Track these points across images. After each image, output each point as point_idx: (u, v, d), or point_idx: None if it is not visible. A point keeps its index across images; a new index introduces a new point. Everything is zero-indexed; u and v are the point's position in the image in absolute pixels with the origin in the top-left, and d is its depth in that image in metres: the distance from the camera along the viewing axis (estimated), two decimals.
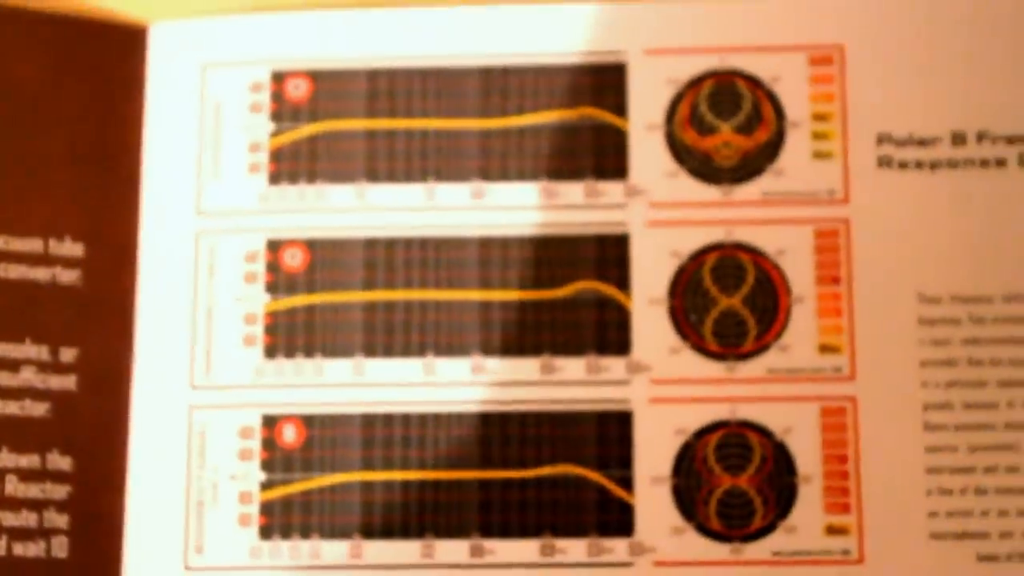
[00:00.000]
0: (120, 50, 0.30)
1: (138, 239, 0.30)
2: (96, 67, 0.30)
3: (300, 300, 0.29)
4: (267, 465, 0.29)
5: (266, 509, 0.29)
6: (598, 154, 0.30)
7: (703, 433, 0.29)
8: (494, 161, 0.29)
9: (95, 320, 0.29)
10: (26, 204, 0.30)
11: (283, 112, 0.30)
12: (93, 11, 0.31)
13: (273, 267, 0.29)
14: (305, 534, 0.29)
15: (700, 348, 0.29)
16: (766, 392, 0.29)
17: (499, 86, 0.30)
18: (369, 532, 0.28)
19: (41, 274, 0.29)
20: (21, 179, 0.30)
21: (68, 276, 0.30)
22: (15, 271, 0.29)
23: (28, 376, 0.29)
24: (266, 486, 0.29)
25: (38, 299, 0.29)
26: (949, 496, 0.28)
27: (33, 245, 0.29)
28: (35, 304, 0.29)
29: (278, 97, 0.30)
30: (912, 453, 0.29)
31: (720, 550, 0.29)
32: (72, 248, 0.30)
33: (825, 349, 0.29)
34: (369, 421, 0.29)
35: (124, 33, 0.31)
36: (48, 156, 0.30)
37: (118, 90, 0.30)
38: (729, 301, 0.29)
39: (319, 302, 0.29)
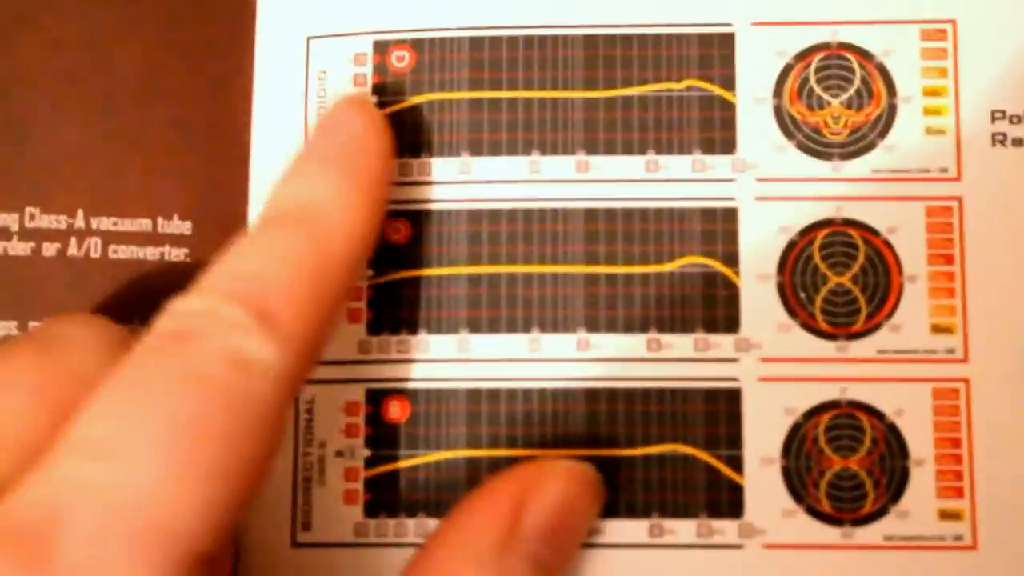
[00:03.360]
0: (227, 23, 0.30)
1: (247, 213, 0.29)
2: (203, 41, 0.30)
3: (403, 274, 0.29)
4: (371, 441, 0.28)
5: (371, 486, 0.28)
6: (705, 127, 0.29)
7: (813, 413, 0.28)
8: (599, 133, 0.29)
9: None
10: (133, 184, 0.29)
11: (386, 84, 0.29)
12: None
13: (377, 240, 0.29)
14: (411, 512, 0.28)
15: (810, 326, 0.28)
16: (877, 372, 0.28)
17: (603, 56, 0.29)
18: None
19: (150, 253, 0.29)
20: (130, 159, 0.29)
21: (176, 254, 0.29)
22: (124, 251, 0.29)
23: None
24: (371, 463, 0.28)
25: (147, 278, 0.29)
26: None
27: (142, 225, 0.29)
28: (144, 283, 0.29)
29: (381, 69, 0.29)
30: None
31: (831, 533, 0.27)
32: (180, 226, 0.29)
33: (937, 329, 0.28)
34: (474, 396, 0.28)
35: (231, 5, 0.30)
36: (156, 134, 0.29)
37: (225, 64, 0.30)
38: (839, 279, 0.28)
39: (424, 275, 0.29)
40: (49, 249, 0.29)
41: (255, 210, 0.29)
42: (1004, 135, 0.28)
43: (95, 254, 0.29)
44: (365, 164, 0.26)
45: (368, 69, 0.29)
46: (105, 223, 0.29)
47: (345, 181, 0.26)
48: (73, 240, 0.29)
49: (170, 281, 0.28)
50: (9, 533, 0.20)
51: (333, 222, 0.25)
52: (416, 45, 0.29)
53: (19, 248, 0.29)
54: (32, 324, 0.28)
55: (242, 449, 0.21)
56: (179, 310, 0.23)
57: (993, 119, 0.28)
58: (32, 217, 0.29)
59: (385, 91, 0.29)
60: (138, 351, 0.23)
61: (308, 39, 0.29)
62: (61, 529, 0.20)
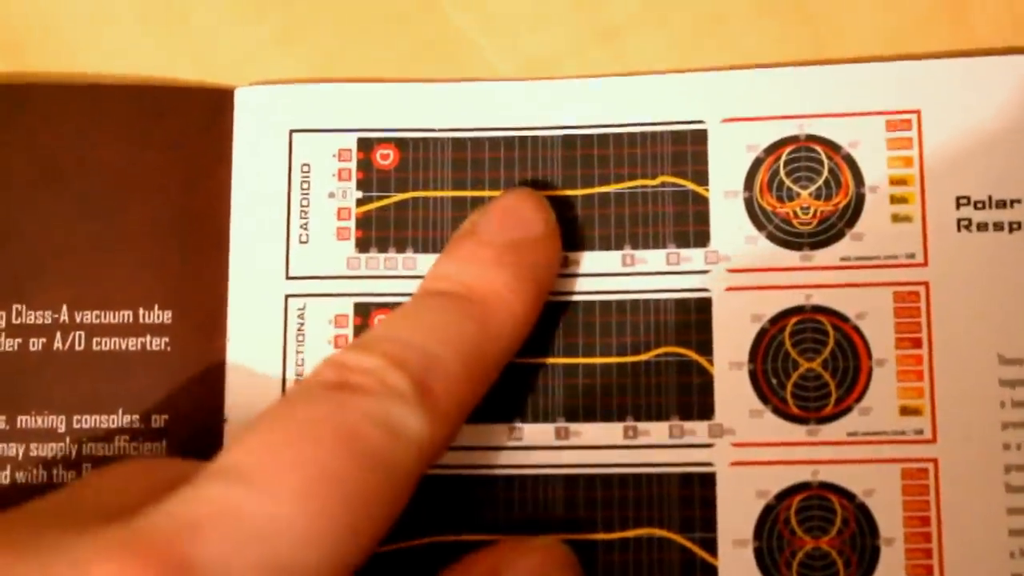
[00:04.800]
0: (205, 114, 0.35)
1: (227, 303, 0.35)
2: (180, 133, 0.35)
3: None
4: None
5: None
6: (679, 221, 0.34)
7: (785, 496, 0.34)
8: (577, 229, 0.34)
9: (184, 385, 0.34)
10: (116, 277, 0.34)
11: (370, 180, 0.35)
12: (176, 79, 0.36)
13: (362, 331, 0.35)
14: None
15: (781, 411, 0.34)
16: (847, 455, 0.34)
17: (581, 155, 0.35)
18: None
19: (131, 344, 0.34)
20: (111, 253, 0.35)
21: (156, 344, 0.35)
22: (107, 343, 0.34)
23: (121, 445, 0.34)
24: None
25: (129, 369, 0.34)
26: None
27: (123, 316, 0.34)
28: (126, 374, 0.34)
29: (365, 165, 0.35)
30: (994, 515, 0.33)
31: None
32: (161, 316, 0.35)
33: (906, 411, 0.34)
34: (456, 484, 0.34)
35: (209, 97, 0.36)
36: (136, 227, 0.35)
37: (204, 154, 0.35)
38: (809, 364, 0.34)
39: None
40: (36, 344, 0.34)
41: (234, 299, 0.35)
42: (969, 220, 0.34)
43: (79, 347, 0.34)
44: (539, 267, 0.32)
45: (352, 165, 0.35)
46: (89, 316, 0.35)
47: (518, 275, 0.31)
48: (58, 334, 0.34)
49: (151, 370, 0.34)
50: (146, 540, 0.24)
51: (501, 313, 0.30)
52: (400, 144, 0.35)
53: (6, 344, 0.34)
54: (21, 418, 0.34)
55: (374, 508, 0.26)
56: (342, 362, 0.28)
57: (958, 205, 0.34)
58: (18, 314, 0.34)
59: (370, 187, 0.35)
60: (298, 393, 0.28)
61: (291, 132, 0.35)
62: (196, 543, 0.24)
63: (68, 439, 0.34)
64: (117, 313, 0.34)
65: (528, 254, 0.32)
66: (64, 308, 0.34)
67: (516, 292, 0.31)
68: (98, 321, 0.34)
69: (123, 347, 0.34)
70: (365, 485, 0.26)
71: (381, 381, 0.27)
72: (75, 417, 0.34)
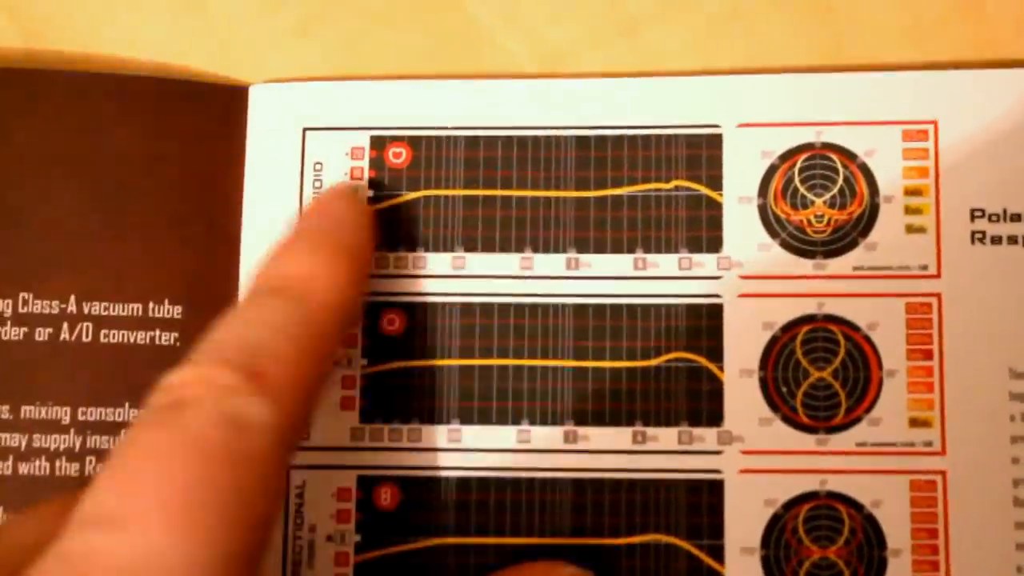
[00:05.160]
0: (220, 112, 0.35)
1: (236, 298, 0.35)
2: (196, 129, 0.35)
3: (397, 364, 0.34)
4: (362, 527, 0.34)
5: None
6: (692, 226, 0.34)
7: (792, 504, 0.34)
8: (590, 231, 0.34)
9: None
10: (126, 270, 0.34)
11: (382, 178, 0.35)
12: (193, 74, 0.36)
13: (371, 331, 0.34)
14: None
15: (791, 420, 0.34)
16: (856, 465, 0.34)
17: (594, 157, 0.35)
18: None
19: (140, 338, 0.34)
20: (121, 245, 0.34)
21: (166, 339, 0.34)
22: (116, 336, 0.34)
23: None
24: (361, 548, 0.34)
25: (137, 363, 0.34)
26: None
27: (132, 310, 0.34)
28: (134, 367, 0.34)
29: (378, 163, 0.35)
30: (1002, 529, 0.33)
31: None
32: (171, 311, 0.35)
33: (916, 423, 0.34)
34: (465, 485, 0.34)
35: (224, 94, 0.36)
36: (147, 221, 0.35)
37: (217, 151, 0.35)
38: (820, 374, 0.34)
39: (417, 365, 0.34)
40: (42, 334, 0.34)
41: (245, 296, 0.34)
42: (983, 233, 0.34)
43: (87, 339, 0.34)
44: (348, 242, 0.32)
45: (365, 163, 0.35)
46: (97, 308, 0.34)
47: (327, 256, 0.31)
48: (65, 325, 0.34)
49: (160, 365, 0.34)
50: None
51: (316, 288, 0.30)
52: (413, 142, 0.35)
53: (12, 333, 0.34)
54: (25, 408, 0.34)
55: (246, 505, 0.25)
56: (170, 383, 0.28)
57: (973, 217, 0.34)
58: (25, 303, 0.34)
59: (382, 185, 0.35)
60: (135, 426, 0.27)
61: (304, 130, 0.35)
62: None
63: (73, 431, 0.34)
64: (126, 306, 0.34)
65: (335, 237, 0.32)
66: (72, 299, 0.34)
67: (327, 270, 0.31)
68: (106, 313, 0.34)
69: (131, 340, 0.34)
70: (228, 486, 0.25)
71: (209, 384, 0.27)
72: (80, 409, 0.34)
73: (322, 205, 0.33)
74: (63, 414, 0.34)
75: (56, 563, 0.24)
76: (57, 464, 0.33)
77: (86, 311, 0.34)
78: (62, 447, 0.33)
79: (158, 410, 0.27)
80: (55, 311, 0.34)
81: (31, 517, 0.29)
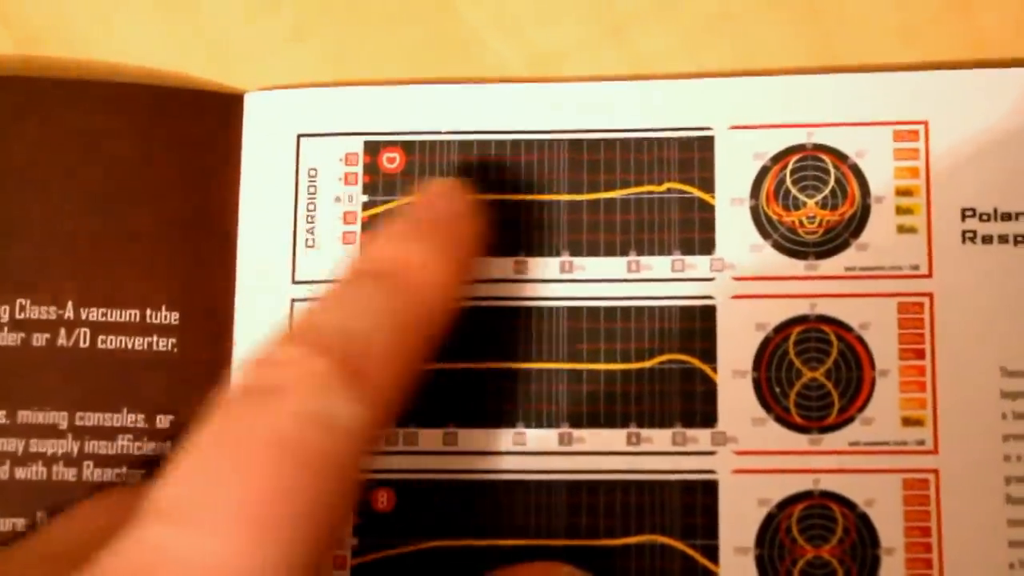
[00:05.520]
0: (216, 119, 0.36)
1: (233, 306, 0.35)
2: (191, 136, 0.35)
3: None
4: (359, 530, 0.34)
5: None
6: (684, 228, 0.35)
7: (786, 504, 0.34)
8: (583, 234, 0.35)
9: (190, 387, 0.34)
10: (123, 276, 0.35)
11: (376, 184, 0.35)
12: (188, 81, 0.36)
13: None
14: None
15: (784, 420, 0.34)
16: (849, 464, 0.34)
17: (587, 160, 0.35)
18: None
19: (137, 344, 0.35)
20: (118, 251, 0.35)
21: (163, 344, 0.35)
22: (113, 342, 0.34)
23: (124, 444, 0.34)
24: (359, 552, 0.34)
25: (135, 368, 0.34)
26: None
27: (130, 316, 0.35)
28: (132, 373, 0.34)
29: (372, 168, 0.35)
30: (994, 526, 0.33)
31: None
32: (168, 317, 0.35)
33: (908, 422, 0.34)
34: (460, 488, 0.34)
35: (219, 101, 0.36)
36: (144, 227, 0.35)
37: (213, 158, 0.36)
38: (813, 374, 0.34)
39: None
40: (39, 339, 0.34)
41: (241, 303, 0.35)
42: (974, 232, 0.34)
43: (84, 344, 0.34)
44: (458, 233, 0.31)
45: (359, 168, 0.35)
46: (94, 314, 0.35)
47: (437, 245, 0.30)
48: (63, 331, 0.34)
49: (158, 370, 0.34)
50: None
51: (423, 280, 0.29)
52: (407, 147, 0.35)
53: (9, 338, 0.34)
54: (22, 413, 0.34)
55: (325, 512, 0.24)
56: (266, 360, 0.27)
57: (963, 217, 0.34)
58: (22, 308, 0.34)
59: (376, 190, 0.35)
60: (223, 409, 0.26)
61: (299, 136, 0.35)
62: None
63: (70, 436, 0.34)
64: (124, 312, 0.35)
65: (447, 228, 0.31)
66: (69, 304, 0.34)
67: (437, 260, 0.30)
68: (104, 319, 0.34)
69: (129, 346, 0.35)
70: (307, 491, 0.24)
71: (306, 371, 0.26)
72: (78, 414, 0.34)
73: (431, 196, 0.32)
74: (60, 419, 0.34)
75: (125, 553, 0.24)
76: (54, 469, 0.34)
77: (83, 317, 0.34)
78: (59, 452, 0.34)
79: (248, 392, 0.26)
80: (52, 316, 0.34)
81: (101, 503, 0.29)
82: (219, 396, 0.26)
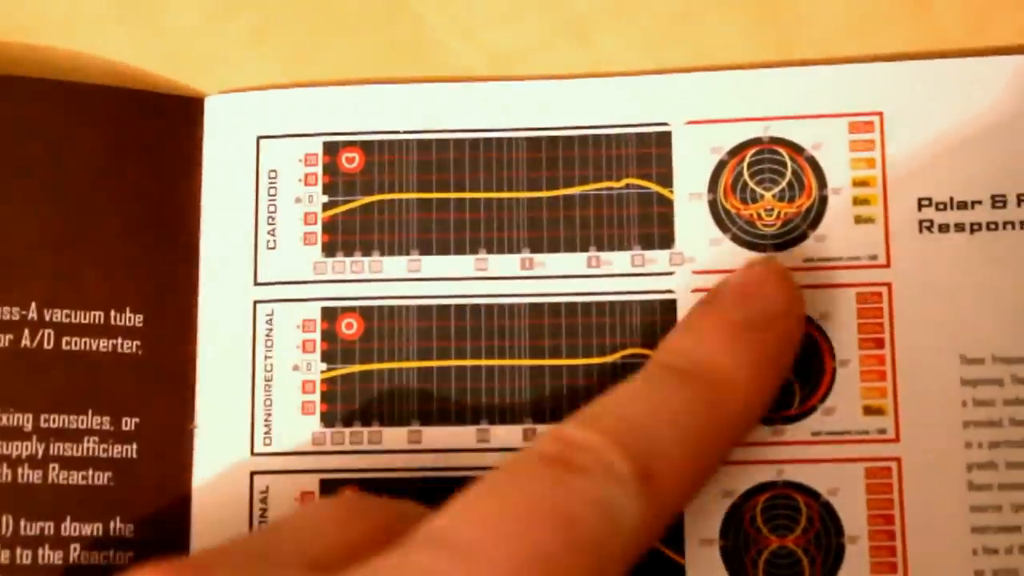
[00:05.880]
0: (176, 122, 0.36)
1: (197, 308, 0.35)
2: (153, 139, 0.36)
3: (356, 368, 0.35)
4: None
5: None
6: (643, 223, 0.35)
7: (751, 495, 0.34)
8: (543, 231, 0.35)
9: (155, 389, 0.35)
10: (87, 278, 0.35)
11: (336, 184, 0.35)
12: (150, 83, 0.37)
13: (329, 336, 0.35)
14: None
15: None
16: (811, 454, 0.34)
17: (546, 157, 0.35)
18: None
19: (102, 345, 0.35)
20: (82, 253, 0.35)
21: (128, 346, 0.35)
22: (77, 343, 0.35)
23: (90, 446, 0.34)
24: None
25: (99, 370, 0.34)
26: (995, 555, 0.33)
27: (94, 318, 0.35)
28: (96, 375, 0.34)
29: (331, 169, 0.36)
30: (957, 513, 0.33)
31: None
32: (132, 319, 0.35)
33: (869, 411, 0.34)
34: (426, 486, 0.34)
35: (180, 105, 0.36)
36: (108, 229, 0.35)
37: (175, 161, 0.36)
38: None
39: (376, 368, 0.35)
40: (2, 340, 0.34)
41: (204, 305, 0.35)
42: (931, 222, 0.35)
43: (48, 346, 0.34)
44: (778, 347, 0.31)
45: (318, 169, 0.35)
46: (58, 315, 0.35)
47: (755, 361, 0.30)
48: (27, 332, 0.34)
49: (123, 373, 0.34)
50: None
51: (733, 396, 0.30)
52: (366, 147, 0.35)
53: None
54: None
55: None
56: (565, 437, 0.28)
57: (920, 207, 0.35)
58: None
59: (336, 191, 0.35)
60: (518, 464, 0.27)
61: (258, 138, 0.36)
62: None
63: (35, 438, 0.34)
64: (88, 314, 0.35)
65: (767, 333, 0.31)
66: (33, 305, 0.34)
67: (751, 377, 0.30)
68: (68, 321, 0.35)
69: (94, 348, 0.35)
70: (573, 569, 0.25)
71: (602, 461, 0.27)
72: (43, 416, 0.34)
73: (752, 280, 0.32)
74: (25, 421, 0.34)
75: (398, 568, 0.25)
76: (19, 471, 0.34)
77: (48, 318, 0.35)
78: (24, 454, 0.34)
79: (544, 460, 0.27)
80: (16, 318, 0.34)
81: (333, 505, 0.29)
82: (518, 454, 0.27)
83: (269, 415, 0.35)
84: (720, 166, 0.35)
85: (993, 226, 0.34)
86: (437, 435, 0.34)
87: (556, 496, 0.26)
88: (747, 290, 0.32)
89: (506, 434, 0.34)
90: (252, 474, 0.34)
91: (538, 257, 0.35)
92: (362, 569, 0.25)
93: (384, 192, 0.35)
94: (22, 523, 0.33)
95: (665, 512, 0.28)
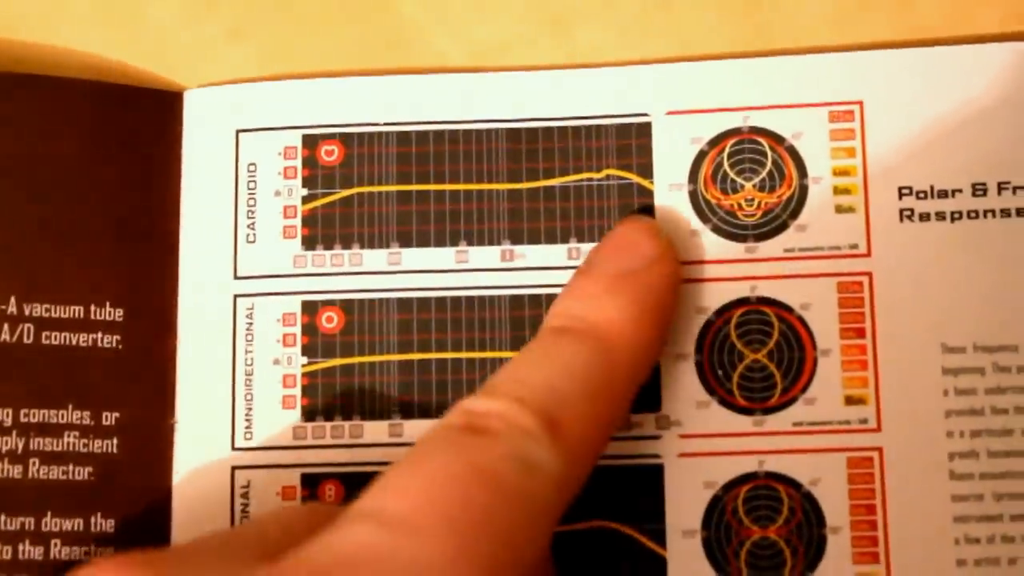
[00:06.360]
0: (156, 116, 0.36)
1: (176, 303, 0.35)
2: (132, 133, 0.36)
3: (336, 362, 0.35)
4: None
5: None
6: (624, 214, 0.35)
7: (732, 486, 0.34)
8: (523, 223, 0.35)
9: (135, 384, 0.35)
10: (67, 272, 0.35)
11: (316, 177, 0.35)
12: (129, 77, 0.37)
13: (310, 329, 0.35)
14: None
15: (727, 402, 0.34)
16: (793, 444, 0.34)
17: (526, 149, 0.35)
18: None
19: (82, 340, 0.35)
20: (61, 247, 0.35)
21: (108, 341, 0.35)
22: (57, 338, 0.35)
23: (71, 441, 0.34)
24: None
25: (79, 365, 0.34)
26: (976, 544, 0.33)
27: (73, 312, 0.35)
28: (77, 370, 0.34)
29: (311, 162, 0.36)
30: (939, 502, 0.33)
31: None
32: (112, 313, 0.35)
33: (851, 401, 0.34)
34: None
35: (160, 99, 0.36)
36: (87, 223, 0.35)
37: (154, 156, 0.36)
38: (755, 356, 0.35)
39: (357, 362, 0.35)
40: None
41: (184, 300, 0.35)
42: (911, 211, 0.35)
43: (28, 340, 0.34)
44: (655, 290, 0.32)
45: (298, 162, 0.35)
46: (38, 310, 0.35)
47: (635, 305, 0.31)
48: (6, 326, 0.34)
49: (103, 367, 0.34)
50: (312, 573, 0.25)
51: (622, 342, 0.31)
52: (345, 139, 0.35)
53: None
54: None
55: (517, 545, 0.26)
56: (470, 408, 0.29)
57: (900, 195, 0.35)
58: None
59: (315, 184, 0.35)
60: (431, 438, 0.28)
61: (237, 132, 0.36)
62: None
63: (15, 432, 0.34)
64: (68, 308, 0.35)
65: (643, 279, 0.32)
66: (12, 300, 0.34)
67: (635, 320, 0.31)
68: (48, 315, 0.35)
69: (74, 342, 0.35)
70: (507, 522, 0.26)
71: (508, 422, 0.28)
72: (23, 411, 0.34)
73: (620, 237, 0.33)
74: (5, 416, 0.34)
75: (333, 546, 0.25)
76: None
77: (27, 313, 0.35)
78: (4, 449, 0.34)
79: (455, 430, 0.28)
80: None
81: (305, 510, 0.30)
82: (428, 431, 0.28)
83: (250, 409, 0.35)
84: (700, 156, 0.35)
85: (974, 215, 0.34)
86: (418, 428, 0.34)
87: (473, 458, 0.27)
88: (619, 244, 0.33)
89: None
90: (233, 469, 0.34)
91: (518, 249, 0.35)
92: (299, 553, 0.25)
93: (364, 185, 0.35)
94: (2, 518, 0.33)
95: (580, 461, 0.29)
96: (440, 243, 0.35)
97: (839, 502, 0.34)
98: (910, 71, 0.35)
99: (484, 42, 0.36)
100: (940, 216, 0.34)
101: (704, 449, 0.34)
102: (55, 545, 0.34)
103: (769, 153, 0.35)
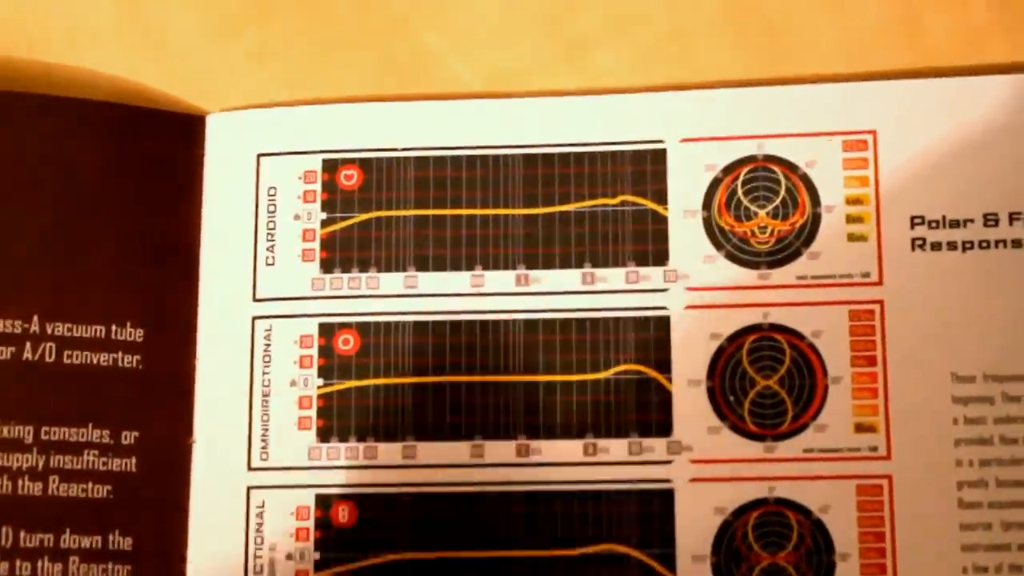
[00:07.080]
0: (178, 139, 0.36)
1: (196, 324, 0.35)
2: (155, 156, 0.36)
3: (352, 384, 0.35)
4: (320, 544, 0.35)
5: None
6: (638, 240, 0.35)
7: (742, 512, 0.34)
8: (539, 248, 0.35)
9: (155, 403, 0.35)
10: (89, 292, 0.35)
11: (335, 201, 0.36)
12: (152, 100, 0.37)
13: (326, 351, 0.35)
14: None
15: (738, 428, 0.35)
16: (803, 471, 0.34)
17: (542, 174, 0.35)
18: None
19: (103, 359, 0.35)
20: (83, 267, 0.35)
21: (128, 361, 0.35)
22: (79, 357, 0.35)
23: (90, 459, 0.35)
24: (320, 566, 0.35)
25: (100, 383, 0.35)
26: (984, 573, 0.33)
27: (95, 332, 0.35)
28: (97, 389, 0.35)
29: (330, 186, 0.36)
30: (947, 531, 0.34)
31: None
32: (133, 333, 0.35)
33: (861, 428, 0.34)
34: (420, 501, 0.35)
35: (182, 122, 0.36)
36: (109, 244, 0.35)
37: (176, 178, 0.36)
38: (766, 382, 0.35)
39: (372, 384, 0.35)
40: (4, 353, 0.35)
41: (204, 321, 0.36)
42: (923, 240, 0.35)
43: (50, 359, 0.35)
44: None
45: (317, 186, 0.36)
46: (60, 329, 0.35)
47: None
48: (28, 345, 0.35)
49: (123, 386, 0.34)
50: None
51: None
52: (364, 164, 0.36)
53: None
54: None
55: None
56: None
57: (912, 224, 0.35)
58: None
59: (334, 208, 0.36)
60: None
61: (258, 156, 0.36)
62: None
63: (35, 450, 0.34)
64: (89, 328, 0.35)
65: None
66: (35, 318, 0.35)
67: None
68: (69, 334, 0.35)
69: (95, 361, 0.35)
70: None
71: None
72: (43, 429, 0.34)
73: None
74: (26, 433, 0.34)
75: None
76: (20, 483, 0.34)
77: (49, 332, 0.35)
78: (24, 466, 0.34)
79: None
80: (18, 331, 0.35)
81: None
82: None
83: (266, 430, 0.35)
84: (714, 183, 0.35)
85: (985, 244, 0.35)
86: (431, 450, 0.35)
87: None
88: None
89: (499, 450, 0.35)
90: (249, 488, 0.35)
91: (533, 273, 0.35)
92: None
93: (382, 209, 0.36)
94: (22, 535, 0.34)
95: None
96: (456, 267, 0.35)
97: (848, 529, 0.34)
98: (923, 101, 0.35)
99: (502, 69, 0.37)
100: (952, 246, 0.34)
101: (715, 474, 0.34)
102: (73, 562, 0.34)
103: (783, 181, 0.35)
